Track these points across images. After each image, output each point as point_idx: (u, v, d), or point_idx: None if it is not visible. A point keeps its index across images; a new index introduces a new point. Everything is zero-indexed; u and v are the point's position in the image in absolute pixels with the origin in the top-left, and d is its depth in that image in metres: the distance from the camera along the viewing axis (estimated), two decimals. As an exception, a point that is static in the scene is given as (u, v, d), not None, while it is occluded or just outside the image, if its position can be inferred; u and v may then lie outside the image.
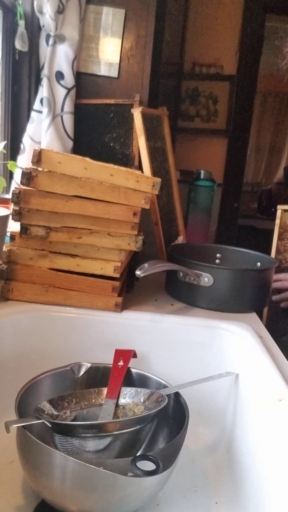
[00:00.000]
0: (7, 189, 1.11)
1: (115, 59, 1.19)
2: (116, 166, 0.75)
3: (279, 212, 1.23)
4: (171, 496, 0.60)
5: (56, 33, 1.12)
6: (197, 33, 2.23)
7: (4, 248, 0.75)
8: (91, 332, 0.76)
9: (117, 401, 0.62)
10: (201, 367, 0.76)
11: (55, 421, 0.56)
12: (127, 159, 1.19)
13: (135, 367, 0.67)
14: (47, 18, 1.09)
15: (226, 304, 0.84)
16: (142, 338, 0.76)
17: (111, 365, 0.66)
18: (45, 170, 0.70)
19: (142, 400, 0.62)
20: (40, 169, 0.70)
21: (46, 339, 0.75)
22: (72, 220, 0.73)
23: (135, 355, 0.69)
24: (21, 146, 1.18)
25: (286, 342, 0.78)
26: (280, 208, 1.23)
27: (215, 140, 2.37)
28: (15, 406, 0.53)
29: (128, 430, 0.55)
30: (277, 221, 1.22)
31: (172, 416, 0.62)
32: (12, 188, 0.76)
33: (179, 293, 0.89)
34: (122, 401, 0.62)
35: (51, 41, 1.13)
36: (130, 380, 0.66)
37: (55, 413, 0.58)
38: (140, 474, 0.45)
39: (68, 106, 1.16)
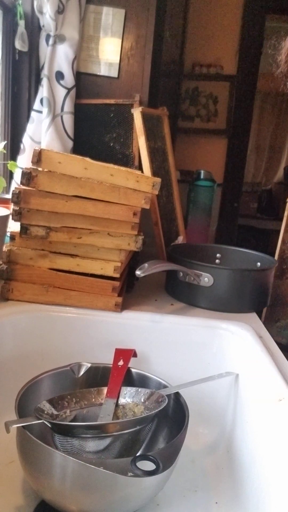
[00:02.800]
0: (7, 189, 1.11)
1: (115, 59, 1.19)
2: (116, 166, 0.75)
3: None
4: (171, 496, 0.60)
5: (56, 33, 1.12)
6: (197, 33, 2.23)
7: (4, 248, 0.75)
8: (91, 332, 0.76)
9: (117, 401, 0.62)
10: (201, 367, 0.76)
11: (54, 421, 0.56)
12: (127, 159, 1.19)
13: (135, 367, 0.67)
14: (47, 18, 1.09)
15: (226, 304, 0.84)
16: (142, 338, 0.76)
17: (111, 365, 0.66)
18: (45, 170, 0.70)
19: (142, 400, 0.61)
20: (40, 169, 0.70)
21: (46, 339, 0.75)
22: (72, 220, 0.73)
23: (135, 354, 0.69)
24: (21, 146, 1.18)
25: (281, 328, 0.77)
26: None
27: (215, 140, 2.37)
28: (15, 406, 0.53)
29: (128, 431, 0.55)
30: (286, 213, 1.25)
31: (172, 416, 0.62)
32: (12, 188, 0.76)
33: (179, 293, 0.89)
34: (122, 400, 0.62)
35: (51, 41, 1.13)
36: (130, 380, 0.66)
37: (55, 412, 0.58)
38: (140, 474, 0.45)
39: (68, 106, 1.16)
